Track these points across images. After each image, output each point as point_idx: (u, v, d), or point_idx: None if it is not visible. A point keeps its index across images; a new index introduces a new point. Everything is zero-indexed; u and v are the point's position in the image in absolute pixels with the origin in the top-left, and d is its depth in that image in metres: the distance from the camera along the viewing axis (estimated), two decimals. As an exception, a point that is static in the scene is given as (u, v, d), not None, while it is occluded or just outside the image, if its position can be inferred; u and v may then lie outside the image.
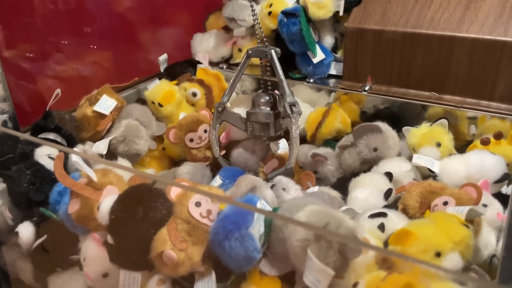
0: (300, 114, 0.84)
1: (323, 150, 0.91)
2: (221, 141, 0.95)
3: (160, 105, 0.98)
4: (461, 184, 0.70)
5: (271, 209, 0.61)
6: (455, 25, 0.95)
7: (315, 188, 0.80)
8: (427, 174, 0.82)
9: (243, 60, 0.89)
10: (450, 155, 0.83)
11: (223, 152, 0.95)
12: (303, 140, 1.01)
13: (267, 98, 0.89)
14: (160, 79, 1.05)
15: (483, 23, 0.93)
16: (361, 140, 0.86)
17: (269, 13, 1.11)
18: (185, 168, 0.90)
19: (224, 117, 0.91)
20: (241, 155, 0.93)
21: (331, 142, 0.97)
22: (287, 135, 0.86)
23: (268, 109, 0.88)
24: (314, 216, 0.53)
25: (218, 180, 0.83)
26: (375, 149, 0.85)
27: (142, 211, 0.58)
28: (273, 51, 0.87)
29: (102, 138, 0.91)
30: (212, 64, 1.26)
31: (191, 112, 0.99)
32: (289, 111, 0.82)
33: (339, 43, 1.16)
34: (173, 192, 0.61)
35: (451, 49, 0.94)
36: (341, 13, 1.09)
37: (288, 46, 1.11)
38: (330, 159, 0.89)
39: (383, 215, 0.64)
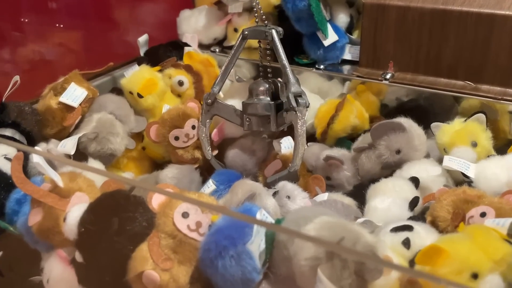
0: (308, 107, 0.84)
1: (337, 152, 0.91)
2: (213, 139, 0.95)
3: (140, 96, 0.98)
4: (501, 192, 0.70)
5: (273, 221, 0.61)
6: (494, 1, 0.94)
7: (325, 195, 0.80)
8: (460, 180, 0.82)
9: (238, 42, 0.89)
10: (488, 156, 0.83)
11: (216, 152, 0.95)
12: (311, 138, 1.01)
13: (267, 86, 0.88)
14: (139, 64, 1.05)
15: (528, -2, 0.93)
16: (381, 141, 0.86)
17: (272, -15, 1.12)
18: (170, 172, 0.89)
19: (215, 110, 0.91)
20: (238, 157, 0.93)
21: (345, 141, 0.97)
22: (292, 132, 0.86)
23: (268, 99, 0.88)
24: (325, 229, 0.53)
25: (211, 185, 0.83)
26: (398, 151, 0.85)
27: (117, 223, 0.58)
28: (274, 31, 0.87)
29: (69, 135, 0.91)
30: (202, 46, 1.26)
31: (177, 105, 0.98)
32: (293, 103, 0.82)
33: (355, 22, 1.16)
34: (155, 200, 0.61)
35: (490, 30, 0.94)
36: (357, -14, 1.10)
37: (293, 26, 1.11)
38: (346, 163, 0.89)
39: (409, 228, 0.64)
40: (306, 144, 0.86)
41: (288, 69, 0.84)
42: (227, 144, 0.97)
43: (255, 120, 0.89)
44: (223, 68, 0.90)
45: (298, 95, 0.83)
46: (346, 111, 0.96)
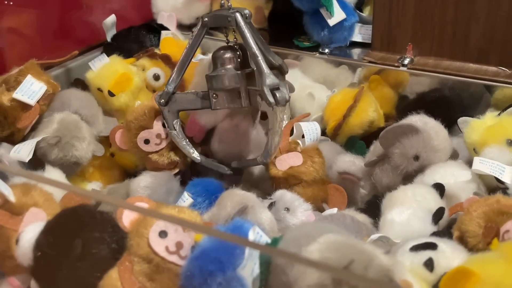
0: (288, 101, 0.81)
1: (353, 163, 0.91)
2: (189, 135, 0.94)
3: (111, 94, 0.98)
4: (543, 200, 0.70)
5: (269, 241, 0.61)
6: (532, -30, 0.95)
7: (334, 210, 0.80)
8: (494, 186, 0.82)
9: (197, 31, 0.87)
10: (527, 157, 0.83)
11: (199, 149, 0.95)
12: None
13: (233, 52, 0.86)
14: (106, 52, 1.04)
15: None
16: (394, 149, 0.86)
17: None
18: (143, 180, 0.89)
19: (175, 106, 0.90)
20: (223, 146, 0.93)
21: (357, 140, 0.97)
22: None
23: (235, 68, 0.86)
24: (332, 250, 0.52)
25: (186, 198, 0.82)
26: (416, 157, 0.85)
27: (81, 245, 0.58)
28: (238, 15, 0.84)
29: (24, 138, 0.90)
30: (182, 27, 1.25)
31: (142, 102, 0.97)
32: (270, 99, 0.79)
33: (366, -4, 1.16)
34: (127, 217, 0.61)
35: (528, 5, 0.95)
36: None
37: (292, 1, 1.11)
38: (364, 179, 0.90)
39: (432, 246, 0.64)
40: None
41: (259, 58, 0.81)
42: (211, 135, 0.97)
43: (223, 95, 0.87)
44: (179, 61, 0.88)
45: (274, 88, 0.80)
46: (364, 102, 0.97)
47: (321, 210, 0.88)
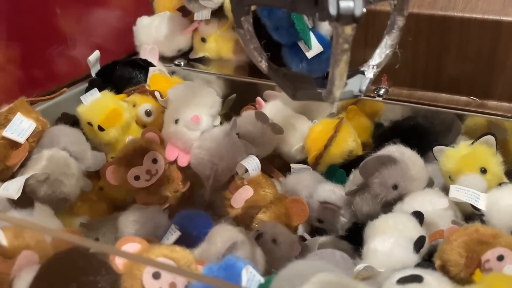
0: (357, 20, 0.50)
1: (334, 192, 0.91)
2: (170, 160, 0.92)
3: (101, 129, 0.96)
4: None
5: (262, 280, 0.60)
6: (500, 6, 0.96)
7: (316, 240, 0.79)
8: (469, 212, 0.83)
9: None
10: (500, 184, 0.84)
11: (187, 186, 0.94)
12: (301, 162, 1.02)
13: None
14: (93, 86, 1.02)
15: (537, 2, 0.95)
16: (373, 178, 0.86)
17: (244, -11, 1.10)
18: (131, 215, 0.87)
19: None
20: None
21: (337, 169, 0.97)
22: None
23: None
24: (325, 291, 0.52)
25: (174, 232, 0.81)
26: (395, 186, 0.85)
27: (75, 289, 0.57)
28: None
29: (13, 175, 0.88)
30: (164, 59, 1.25)
31: (132, 138, 0.96)
32: (331, 9, 0.48)
33: (342, 29, 1.16)
34: (120, 259, 0.59)
35: (496, 38, 0.95)
36: (343, -11, 1.10)
37: (271, 35, 1.10)
38: (343, 207, 0.90)
39: (418, 279, 0.63)
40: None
41: None
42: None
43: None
44: None
45: None
46: (344, 132, 0.97)
47: (291, 228, 0.87)
